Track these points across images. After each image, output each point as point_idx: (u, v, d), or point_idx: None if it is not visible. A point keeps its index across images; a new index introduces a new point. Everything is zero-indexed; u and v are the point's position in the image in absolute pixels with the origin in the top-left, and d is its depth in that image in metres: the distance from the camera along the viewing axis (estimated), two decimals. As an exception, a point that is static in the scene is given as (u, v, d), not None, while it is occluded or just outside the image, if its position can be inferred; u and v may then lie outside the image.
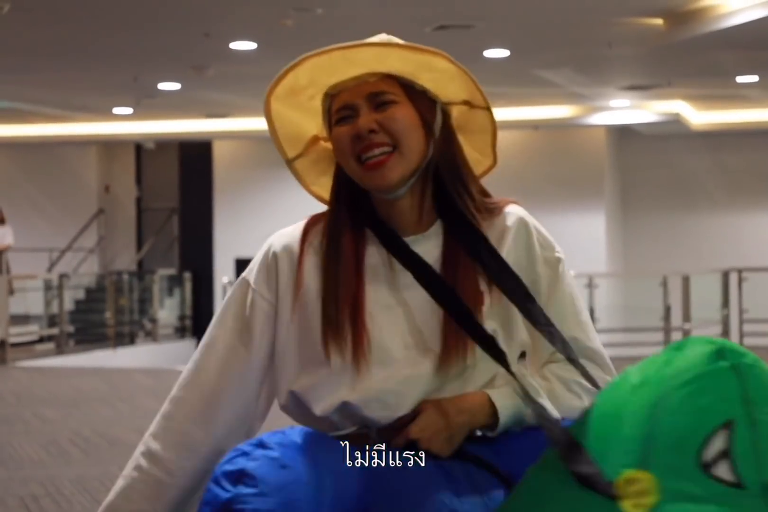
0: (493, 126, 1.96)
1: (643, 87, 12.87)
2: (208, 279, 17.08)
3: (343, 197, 1.93)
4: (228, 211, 17.03)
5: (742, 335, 14.09)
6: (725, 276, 14.33)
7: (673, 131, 15.62)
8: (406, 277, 1.85)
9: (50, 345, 15.02)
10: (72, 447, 7.23)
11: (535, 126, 15.52)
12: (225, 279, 16.66)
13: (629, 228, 16.94)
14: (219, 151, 17.05)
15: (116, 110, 14.54)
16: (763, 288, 14.49)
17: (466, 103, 1.93)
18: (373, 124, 1.81)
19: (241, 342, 1.95)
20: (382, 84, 1.85)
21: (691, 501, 1.31)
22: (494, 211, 1.91)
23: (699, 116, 14.91)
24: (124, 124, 15.78)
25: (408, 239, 1.88)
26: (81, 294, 16.99)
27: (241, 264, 16.81)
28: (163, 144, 17.17)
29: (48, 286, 15.83)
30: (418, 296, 1.85)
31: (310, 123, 1.98)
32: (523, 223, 1.90)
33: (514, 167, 15.43)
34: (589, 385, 1.82)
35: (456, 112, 1.94)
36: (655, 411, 1.37)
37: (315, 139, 2.01)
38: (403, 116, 1.83)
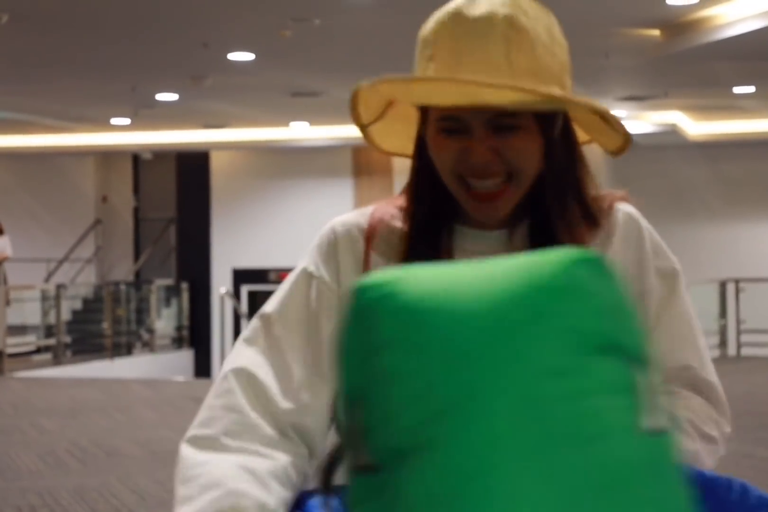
0: (621, 149, 1.67)
1: (640, 98, 12.90)
2: (206, 289, 17.06)
3: (425, 190, 1.60)
4: (225, 222, 17.03)
5: (739, 345, 14.17)
6: (722, 286, 14.42)
7: (670, 142, 15.65)
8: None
9: (47, 356, 15.02)
10: (69, 457, 7.24)
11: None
12: (222, 290, 16.66)
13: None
14: (216, 161, 17.08)
15: (114, 121, 14.56)
16: (761, 299, 14.56)
17: (600, 114, 1.62)
18: (490, 155, 1.48)
19: (309, 343, 1.57)
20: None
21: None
22: (603, 212, 1.63)
23: (696, 127, 14.96)
24: (122, 135, 15.81)
25: (481, 233, 1.60)
26: (78, 305, 16.98)
27: (239, 275, 16.88)
28: (161, 154, 17.18)
29: (45, 297, 15.85)
30: None
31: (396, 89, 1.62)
32: (635, 226, 1.66)
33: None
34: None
35: (583, 117, 1.65)
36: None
37: (390, 103, 1.65)
38: (527, 146, 1.50)
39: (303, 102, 12.79)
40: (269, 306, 1.60)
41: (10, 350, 13.87)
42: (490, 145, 1.48)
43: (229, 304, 16.84)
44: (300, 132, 15.40)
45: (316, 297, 1.59)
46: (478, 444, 0.94)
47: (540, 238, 1.56)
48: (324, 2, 7.91)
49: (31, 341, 15.23)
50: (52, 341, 15.28)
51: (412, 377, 0.97)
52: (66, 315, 15.98)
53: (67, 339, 15.59)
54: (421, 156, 1.60)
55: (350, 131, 15.08)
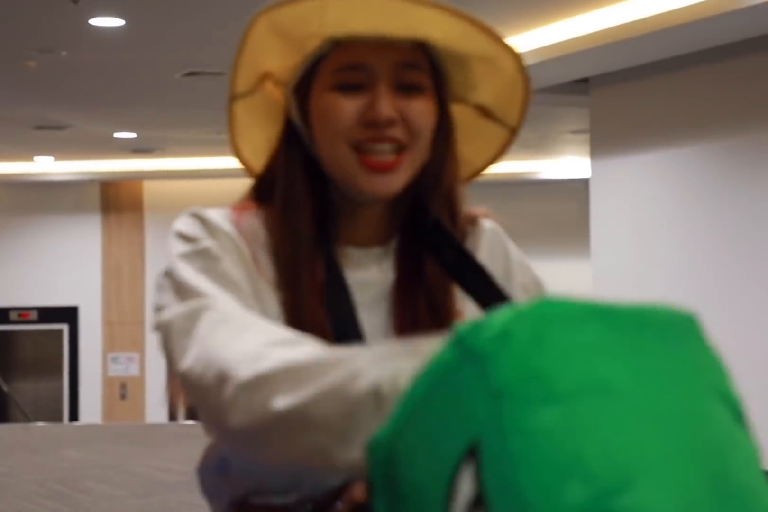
0: (504, 146, 1.59)
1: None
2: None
3: (299, 177, 1.45)
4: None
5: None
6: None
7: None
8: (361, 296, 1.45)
9: None
10: None
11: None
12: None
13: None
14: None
15: None
16: None
17: (481, 108, 1.55)
18: (395, 113, 1.38)
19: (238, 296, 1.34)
20: (414, 55, 1.42)
21: None
22: (472, 222, 1.58)
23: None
24: None
25: (361, 251, 1.49)
26: None
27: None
28: None
29: None
30: (374, 318, 1.47)
31: (276, 57, 1.47)
32: (500, 239, 1.60)
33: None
34: None
35: (459, 110, 1.53)
36: (397, 461, 0.95)
37: (263, 77, 1.50)
38: (429, 111, 1.42)
39: (48, 135, 12.61)
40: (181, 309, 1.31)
41: None
42: (396, 103, 1.38)
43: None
44: (44, 166, 15.14)
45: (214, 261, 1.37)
46: None
47: (407, 253, 1.50)
48: (71, 33, 7.78)
49: None
50: None
51: (551, 435, 0.86)
52: None
53: None
54: (290, 146, 1.47)
55: (98, 165, 14.99)
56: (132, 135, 12.70)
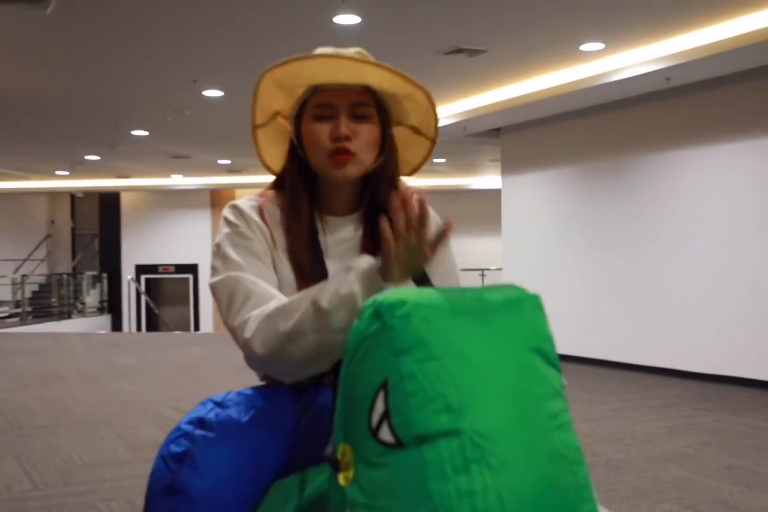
0: (429, 151, 1.54)
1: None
2: (118, 277, 16.61)
3: (298, 176, 1.45)
4: (130, 236, 16.58)
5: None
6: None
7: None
8: (335, 249, 1.44)
9: (16, 319, 14.48)
10: (32, 379, 7.07)
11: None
12: (128, 277, 16.33)
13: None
14: (125, 198, 16.60)
15: (58, 172, 13.97)
16: (496, 279, 14.71)
17: (413, 128, 1.50)
18: (349, 132, 1.37)
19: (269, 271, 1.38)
20: (364, 96, 1.40)
21: (370, 467, 0.92)
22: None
23: (411, 181, 15.20)
24: (63, 181, 15.16)
25: (339, 219, 1.47)
26: (36, 288, 16.37)
27: (139, 268, 16.46)
28: (89, 193, 16.57)
29: (14, 282, 15.28)
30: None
31: (281, 101, 1.46)
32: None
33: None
34: None
35: (400, 130, 1.50)
36: (344, 383, 0.99)
37: (275, 114, 1.49)
38: (371, 134, 1.40)
39: (179, 162, 12.53)
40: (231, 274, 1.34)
41: (-9, 316, 13.62)
42: (351, 127, 1.38)
43: (132, 286, 16.46)
44: (178, 180, 15.05)
45: (250, 242, 1.38)
46: (481, 435, 0.88)
47: (370, 217, 1.45)
48: (191, 101, 7.83)
49: (5, 310, 14.71)
50: (19, 310, 14.88)
51: (427, 379, 0.91)
52: (28, 294, 15.49)
53: (29, 309, 15.14)
54: (294, 157, 1.46)
55: (210, 180, 14.93)
56: (228, 161, 12.55)
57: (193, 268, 16.37)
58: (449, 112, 8.17)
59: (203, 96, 7.57)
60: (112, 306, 16.48)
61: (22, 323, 14.18)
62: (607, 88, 6.78)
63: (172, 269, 16.46)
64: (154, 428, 4.92)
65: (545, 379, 0.98)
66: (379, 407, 0.92)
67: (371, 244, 1.44)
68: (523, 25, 5.50)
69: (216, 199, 16.35)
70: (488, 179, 15.20)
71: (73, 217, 18.11)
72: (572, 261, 7.90)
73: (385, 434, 0.91)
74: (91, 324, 15.37)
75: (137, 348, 9.51)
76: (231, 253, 1.36)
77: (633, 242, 7.26)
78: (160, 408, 5.56)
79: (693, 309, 6.70)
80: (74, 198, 17.76)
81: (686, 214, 6.74)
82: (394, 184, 1.48)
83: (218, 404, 1.30)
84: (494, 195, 11.13)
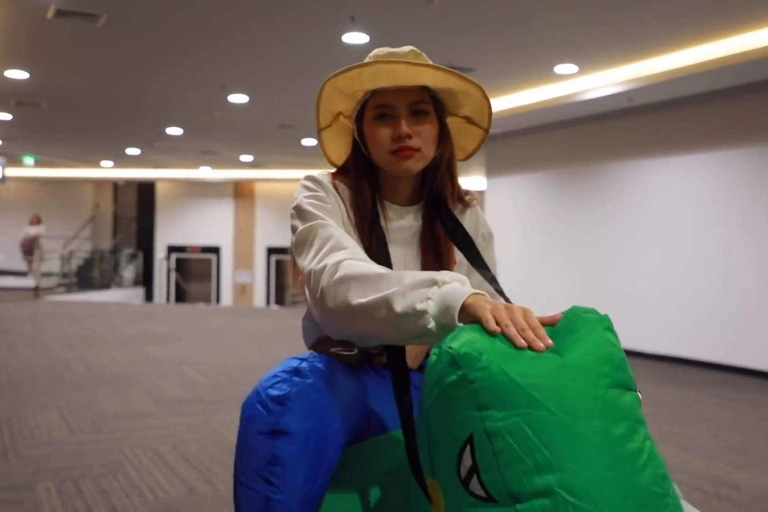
0: (482, 139, 1.42)
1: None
2: (152, 255, 16.54)
3: (362, 169, 1.33)
4: (164, 220, 16.48)
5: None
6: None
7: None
8: (396, 235, 1.34)
9: (63, 289, 14.39)
10: (75, 342, 7.07)
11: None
12: (161, 255, 16.31)
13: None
14: (160, 187, 16.52)
15: (103, 163, 13.89)
16: None
17: (467, 118, 1.38)
18: (410, 132, 1.26)
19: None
20: (421, 93, 1.29)
21: None
22: (463, 198, 1.42)
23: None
24: (108, 171, 15.06)
25: (400, 208, 1.36)
26: (81, 262, 16.27)
27: (170, 248, 16.42)
28: (130, 182, 16.50)
29: (63, 257, 15.13)
30: (407, 249, 1.35)
31: (342, 103, 1.34)
32: (476, 210, 1.43)
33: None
34: None
35: (453, 120, 1.38)
36: (428, 421, 0.90)
37: (338, 114, 1.38)
38: (431, 129, 1.30)
39: (208, 157, 12.47)
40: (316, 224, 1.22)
41: (43, 285, 13.46)
42: (411, 125, 1.27)
43: (164, 264, 16.43)
44: (206, 173, 14.96)
45: (330, 207, 1.27)
46: (572, 493, 0.77)
47: (432, 208, 1.35)
48: (218, 104, 7.77)
49: (54, 281, 14.58)
50: (66, 281, 14.78)
51: (514, 436, 0.79)
52: (74, 267, 15.39)
53: (75, 280, 15.03)
54: (357, 153, 1.34)
55: (233, 174, 14.88)
56: (250, 157, 12.44)
57: (216, 250, 16.30)
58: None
59: (228, 101, 7.51)
60: (146, 280, 16.44)
61: (69, 292, 14.14)
62: (578, 105, 6.84)
63: (198, 250, 16.40)
64: (177, 386, 4.92)
65: (626, 412, 0.84)
66: (467, 460, 0.82)
67: (430, 234, 1.34)
68: (508, 48, 5.48)
69: (238, 190, 16.25)
70: (475, 181, 15.15)
71: (115, 202, 18.00)
72: (551, 256, 7.91)
73: (476, 487, 0.81)
74: (127, 295, 15.34)
75: (166, 317, 9.50)
76: (312, 209, 1.24)
77: (603, 237, 7.28)
78: (183, 369, 5.56)
79: (645, 299, 6.78)
80: (116, 186, 17.67)
81: (647, 214, 6.80)
82: (451, 172, 1.37)
83: (304, 360, 1.20)
84: (480, 195, 11.07)
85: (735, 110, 6.09)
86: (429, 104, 1.30)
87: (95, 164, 14.05)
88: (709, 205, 6.27)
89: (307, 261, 1.16)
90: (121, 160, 13.20)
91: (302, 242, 1.20)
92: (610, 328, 0.92)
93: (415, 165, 1.28)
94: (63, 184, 16.86)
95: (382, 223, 1.31)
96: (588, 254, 7.42)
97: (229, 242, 16.28)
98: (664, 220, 6.64)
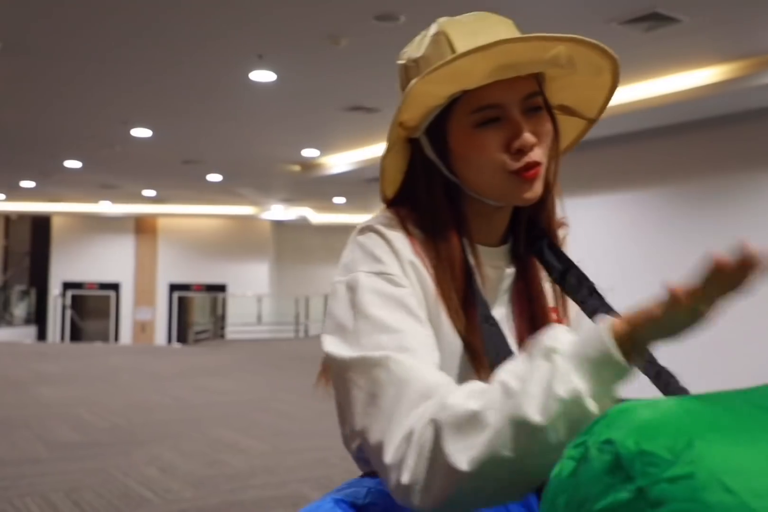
0: (583, 133, 1.00)
1: (289, 200, 13.09)
2: (45, 292, 15.87)
3: (443, 203, 0.90)
4: (59, 255, 15.85)
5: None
6: (325, 297, 14.65)
7: (303, 224, 15.90)
8: (495, 293, 0.93)
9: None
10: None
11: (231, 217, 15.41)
12: (55, 292, 15.63)
13: (281, 271, 16.95)
14: (55, 221, 15.92)
15: (-6, 196, 13.30)
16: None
17: (564, 108, 0.97)
18: (533, 138, 0.86)
19: (423, 327, 0.82)
20: (532, 82, 0.89)
21: None
22: (560, 228, 1.00)
23: (316, 217, 15.28)
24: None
25: (493, 250, 0.94)
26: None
27: (66, 285, 15.77)
28: (23, 216, 15.87)
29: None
30: (501, 309, 0.94)
31: (404, 113, 0.91)
32: (566, 236, 1.02)
33: (222, 243, 15.33)
34: None
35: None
36: None
37: (399, 124, 0.92)
38: (550, 132, 0.90)
39: (108, 191, 12.12)
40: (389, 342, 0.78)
41: None
42: (530, 127, 0.87)
43: (59, 301, 15.75)
44: (106, 207, 14.51)
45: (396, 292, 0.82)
46: None
47: (527, 246, 0.96)
48: (120, 137, 7.58)
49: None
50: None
51: None
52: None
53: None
54: (432, 177, 0.91)
55: (135, 208, 14.49)
56: (153, 192, 12.20)
57: (115, 286, 15.79)
58: (349, 159, 8.31)
59: (132, 134, 7.38)
60: (38, 318, 15.73)
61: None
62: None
63: (96, 286, 15.83)
64: (71, 429, 4.68)
65: None
66: None
67: (524, 286, 0.95)
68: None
69: (140, 225, 15.87)
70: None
71: (6, 236, 17.23)
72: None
73: None
74: (18, 334, 14.63)
75: (60, 357, 9.06)
76: (376, 312, 0.80)
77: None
78: (78, 411, 5.30)
79: None
80: (8, 219, 16.94)
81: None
82: (557, 190, 0.96)
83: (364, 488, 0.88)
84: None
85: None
86: (541, 96, 0.90)
87: (-15, 197, 13.44)
88: None
89: (368, 423, 0.74)
90: (15, 193, 12.64)
91: (353, 378, 0.77)
92: None
93: (539, 187, 0.89)
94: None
95: (478, 283, 0.87)
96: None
97: (129, 278, 15.79)
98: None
